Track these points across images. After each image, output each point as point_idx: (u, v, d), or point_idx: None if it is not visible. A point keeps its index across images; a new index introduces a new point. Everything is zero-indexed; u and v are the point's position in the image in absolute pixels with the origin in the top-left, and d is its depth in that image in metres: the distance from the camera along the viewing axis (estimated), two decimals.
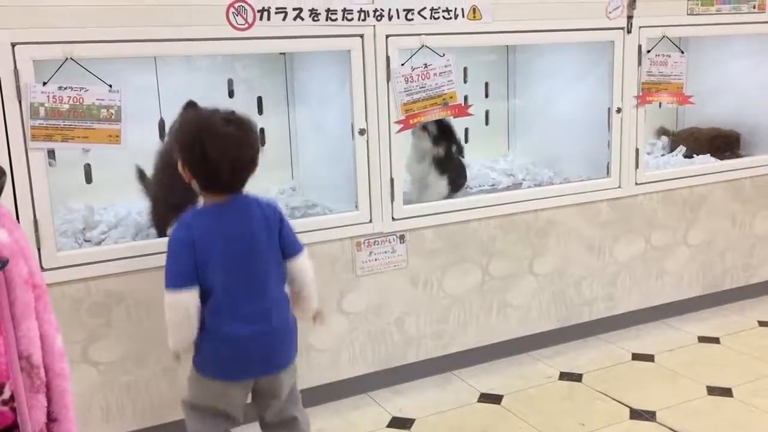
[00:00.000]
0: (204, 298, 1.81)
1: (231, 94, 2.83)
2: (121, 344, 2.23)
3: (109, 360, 2.22)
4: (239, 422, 1.96)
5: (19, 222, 1.83)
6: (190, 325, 1.80)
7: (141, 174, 2.44)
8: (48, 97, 2.01)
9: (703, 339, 3.09)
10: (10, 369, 1.10)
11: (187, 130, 1.83)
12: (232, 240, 1.82)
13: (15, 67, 1.96)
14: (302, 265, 1.95)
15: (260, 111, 2.89)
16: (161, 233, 2.32)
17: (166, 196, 2.28)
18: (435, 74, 2.52)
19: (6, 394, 1.10)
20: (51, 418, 1.22)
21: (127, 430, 2.29)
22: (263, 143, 2.90)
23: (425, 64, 2.49)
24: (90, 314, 2.17)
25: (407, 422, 2.48)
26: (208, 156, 1.75)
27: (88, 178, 2.64)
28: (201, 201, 1.96)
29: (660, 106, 3.31)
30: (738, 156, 3.41)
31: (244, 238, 1.83)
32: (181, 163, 1.83)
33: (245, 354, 1.85)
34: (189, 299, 1.78)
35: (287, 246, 1.93)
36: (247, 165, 1.82)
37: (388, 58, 2.44)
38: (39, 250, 2.04)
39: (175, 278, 1.78)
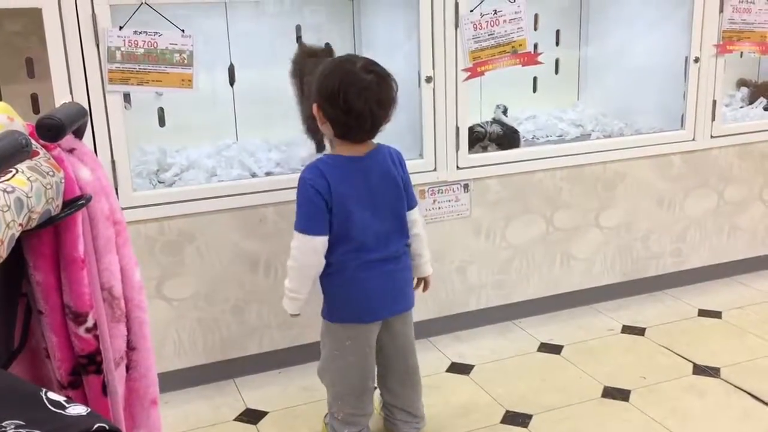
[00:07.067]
0: (336, 242, 1.84)
1: (299, 39, 2.84)
2: (193, 282, 2.32)
3: (181, 296, 2.32)
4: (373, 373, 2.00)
5: None
6: (315, 269, 1.85)
7: None
8: (124, 41, 2.07)
9: None
10: (93, 299, 1.17)
11: (329, 79, 1.79)
12: (368, 187, 1.84)
13: (93, 11, 2.02)
14: (416, 218, 1.96)
15: None
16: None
17: None
18: (504, 21, 2.47)
19: (90, 323, 1.16)
20: (130, 347, 1.29)
21: (197, 363, 2.40)
22: None
23: (495, 11, 2.44)
24: (163, 252, 2.26)
25: (466, 368, 2.52)
26: (351, 107, 1.75)
27: (161, 122, 2.72)
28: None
29: (741, 55, 3.17)
30: None
31: (378, 185, 1.85)
32: (317, 108, 1.81)
33: (376, 296, 1.89)
34: (319, 245, 1.81)
35: (407, 196, 1.94)
36: (386, 113, 1.82)
37: (456, 3, 2.40)
38: (116, 189, 2.12)
39: (308, 223, 1.81)
